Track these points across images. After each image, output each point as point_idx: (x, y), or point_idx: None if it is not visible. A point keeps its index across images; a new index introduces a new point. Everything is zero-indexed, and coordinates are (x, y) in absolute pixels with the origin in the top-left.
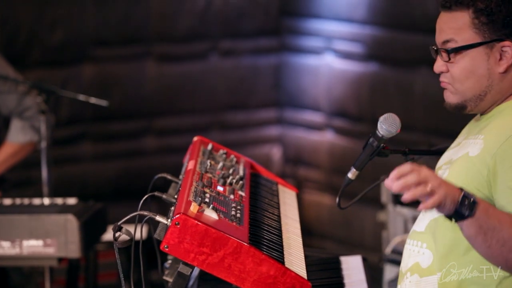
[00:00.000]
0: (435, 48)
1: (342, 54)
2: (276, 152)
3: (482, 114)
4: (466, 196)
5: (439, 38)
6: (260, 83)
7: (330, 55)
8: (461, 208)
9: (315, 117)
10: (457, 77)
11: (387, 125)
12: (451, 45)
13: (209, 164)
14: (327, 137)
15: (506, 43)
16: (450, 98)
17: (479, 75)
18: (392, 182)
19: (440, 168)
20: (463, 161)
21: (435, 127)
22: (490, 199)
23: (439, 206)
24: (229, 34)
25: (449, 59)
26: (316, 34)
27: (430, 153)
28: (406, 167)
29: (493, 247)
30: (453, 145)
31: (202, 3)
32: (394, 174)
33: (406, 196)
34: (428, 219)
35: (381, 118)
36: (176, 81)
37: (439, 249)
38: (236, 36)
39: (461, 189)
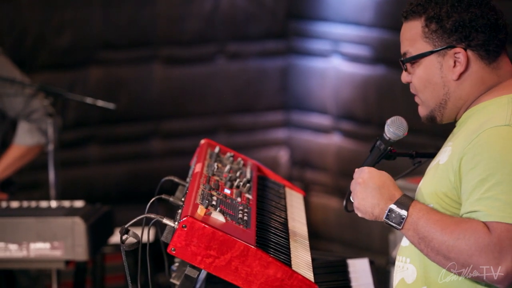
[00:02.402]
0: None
1: (349, 57)
2: (283, 155)
3: (455, 121)
4: (393, 210)
5: (401, 49)
6: (267, 86)
7: (337, 58)
8: (388, 221)
9: (322, 120)
10: (417, 87)
11: (394, 128)
12: (407, 57)
13: (216, 167)
14: (334, 140)
15: (457, 49)
16: (421, 111)
17: (434, 84)
18: None
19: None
20: (434, 170)
21: (442, 130)
22: (460, 203)
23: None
24: (236, 37)
25: (406, 69)
26: (323, 37)
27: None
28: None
29: (430, 255)
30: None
31: (209, 6)
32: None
33: None
34: None
35: (388, 121)
36: (183, 84)
37: (421, 258)
38: (243, 39)
39: (397, 200)
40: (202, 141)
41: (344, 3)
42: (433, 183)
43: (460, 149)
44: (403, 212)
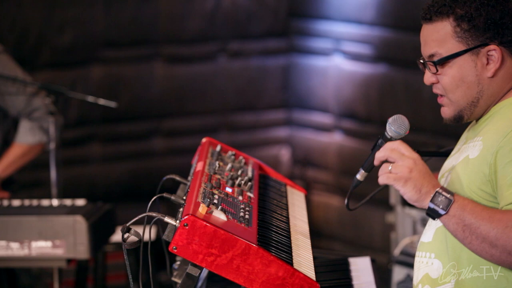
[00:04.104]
0: (422, 61)
1: (350, 55)
2: (284, 153)
3: (478, 119)
4: (440, 193)
5: (425, 51)
6: (269, 84)
7: (338, 57)
8: (434, 204)
9: (323, 119)
10: (448, 87)
11: (396, 126)
12: (436, 58)
13: (217, 165)
14: (336, 138)
15: (491, 46)
16: (447, 112)
17: (469, 82)
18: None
19: (443, 176)
20: (464, 164)
21: (443, 129)
22: (495, 196)
23: (403, 192)
24: (238, 35)
25: (437, 70)
26: (325, 35)
27: (438, 155)
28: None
29: (474, 243)
30: (453, 152)
31: (210, 5)
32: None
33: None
34: (434, 228)
35: (390, 120)
36: (184, 82)
37: (450, 253)
38: (245, 38)
39: (442, 187)
40: (204, 140)
41: (346, 2)
42: (464, 177)
43: (494, 142)
44: (450, 196)
